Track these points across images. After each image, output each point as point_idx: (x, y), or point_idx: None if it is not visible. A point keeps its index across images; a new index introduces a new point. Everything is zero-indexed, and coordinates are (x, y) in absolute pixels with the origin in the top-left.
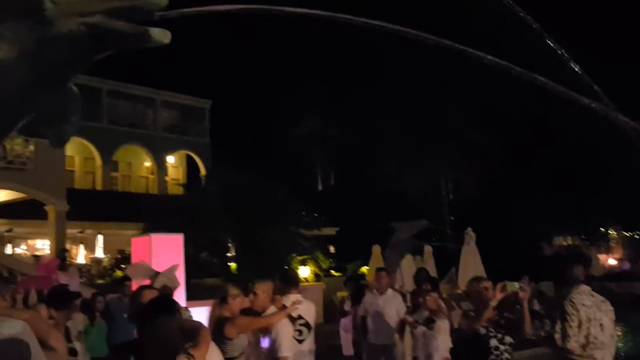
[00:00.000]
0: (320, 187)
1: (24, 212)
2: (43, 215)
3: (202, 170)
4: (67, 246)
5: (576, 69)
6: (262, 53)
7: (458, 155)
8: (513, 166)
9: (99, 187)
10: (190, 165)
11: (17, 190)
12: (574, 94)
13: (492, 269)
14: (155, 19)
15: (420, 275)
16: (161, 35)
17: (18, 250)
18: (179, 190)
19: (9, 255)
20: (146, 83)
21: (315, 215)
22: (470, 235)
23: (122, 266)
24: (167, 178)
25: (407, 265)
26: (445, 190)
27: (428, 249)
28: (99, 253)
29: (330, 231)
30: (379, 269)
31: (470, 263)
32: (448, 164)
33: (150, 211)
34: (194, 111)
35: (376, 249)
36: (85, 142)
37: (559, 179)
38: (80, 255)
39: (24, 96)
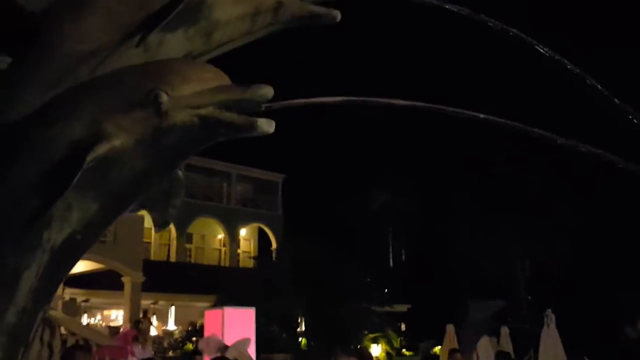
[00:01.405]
0: (391, 263)
1: (101, 282)
2: (119, 286)
3: (274, 244)
4: (140, 317)
5: None
6: (336, 128)
7: (537, 232)
8: (595, 244)
9: (173, 258)
10: (262, 238)
11: (95, 262)
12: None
13: (573, 353)
14: (261, 110)
15: (501, 359)
16: (267, 125)
17: (93, 321)
18: (251, 263)
19: (84, 325)
20: (222, 157)
21: (387, 290)
22: (550, 317)
23: (194, 339)
24: (239, 250)
25: (484, 347)
26: (522, 268)
27: (505, 330)
28: (171, 325)
29: (401, 308)
30: (453, 350)
31: (551, 346)
32: (526, 240)
33: (223, 283)
34: (267, 185)
35: (450, 328)
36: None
37: None
38: (153, 327)
39: (137, 182)
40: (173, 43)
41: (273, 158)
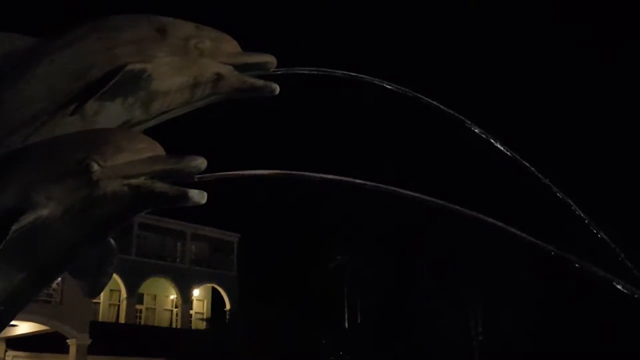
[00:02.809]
0: (346, 325)
1: (46, 345)
2: (64, 349)
3: (228, 304)
4: None
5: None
6: (291, 188)
7: (497, 299)
8: (549, 315)
9: (122, 319)
10: (216, 299)
11: (40, 323)
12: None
13: None
14: (193, 181)
15: None
16: (199, 197)
17: None
18: (203, 325)
19: None
20: (176, 216)
21: (341, 353)
22: None
23: None
24: (191, 311)
25: None
26: (475, 331)
27: None
28: None
29: None
30: None
31: None
32: (478, 303)
33: (174, 346)
34: (222, 244)
35: None
36: (113, 275)
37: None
38: None
39: (66, 252)
40: (111, 112)
41: (228, 217)
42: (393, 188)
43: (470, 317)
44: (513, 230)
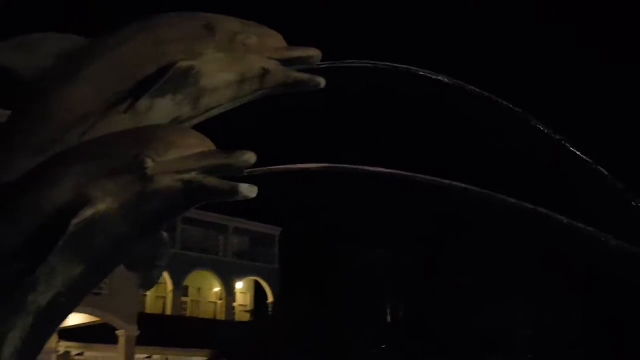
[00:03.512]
0: (389, 319)
1: (96, 336)
2: (114, 340)
3: (270, 297)
4: None
5: None
6: (335, 182)
7: (544, 295)
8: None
9: (169, 311)
10: (259, 292)
11: (91, 314)
12: None
13: None
14: (243, 175)
15: None
16: (249, 191)
17: None
18: (247, 317)
19: None
20: (219, 210)
21: (383, 347)
22: None
23: None
24: (235, 304)
25: None
26: (522, 325)
27: None
28: None
29: None
30: None
31: None
32: (531, 302)
33: (218, 338)
34: (264, 238)
35: None
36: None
37: None
38: None
39: (121, 246)
40: (161, 109)
41: (270, 211)
42: (436, 179)
43: (512, 311)
44: (561, 218)
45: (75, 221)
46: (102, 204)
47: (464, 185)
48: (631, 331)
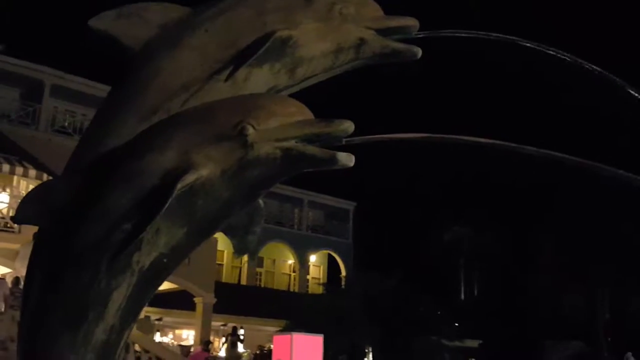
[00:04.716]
0: (462, 296)
1: (175, 302)
2: (191, 306)
3: (343, 271)
4: (211, 338)
5: None
6: (411, 158)
7: (621, 273)
8: None
9: (244, 281)
10: (332, 265)
11: (170, 281)
12: None
13: None
14: (341, 144)
15: None
16: (347, 159)
17: (165, 339)
18: (320, 290)
19: (157, 343)
20: (294, 183)
21: (457, 325)
22: None
23: None
24: (308, 276)
25: None
26: (602, 308)
27: None
28: (240, 347)
29: (472, 343)
30: None
31: None
32: (609, 280)
33: (291, 309)
34: (338, 212)
35: None
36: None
37: None
38: (222, 349)
39: (222, 210)
40: (259, 78)
41: (345, 186)
42: (530, 148)
43: (594, 296)
44: None
45: (179, 185)
46: (205, 170)
47: (561, 155)
48: None
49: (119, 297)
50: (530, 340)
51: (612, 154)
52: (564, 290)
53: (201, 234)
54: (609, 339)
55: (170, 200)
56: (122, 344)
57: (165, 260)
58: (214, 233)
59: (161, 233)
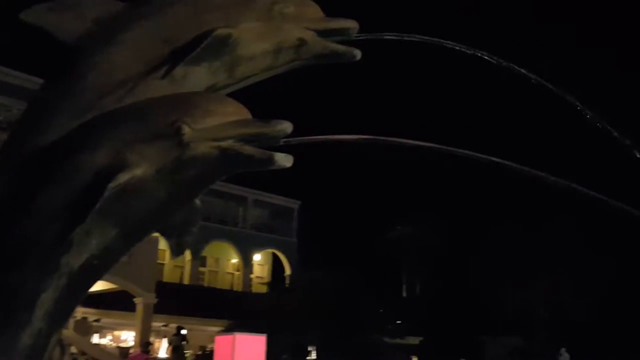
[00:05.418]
0: (404, 294)
1: (113, 302)
2: (131, 307)
3: (287, 270)
4: (151, 339)
5: None
6: (354, 157)
7: (553, 271)
8: (622, 292)
9: (186, 281)
10: (276, 264)
11: (109, 281)
12: None
13: None
14: (279, 144)
15: None
16: (284, 160)
17: (104, 341)
18: (264, 289)
19: (95, 345)
20: (239, 182)
21: (399, 323)
22: (565, 356)
23: None
24: (252, 276)
25: None
26: (538, 306)
27: None
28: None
29: (414, 341)
30: None
31: None
32: (543, 278)
33: (235, 308)
34: (282, 211)
35: None
36: None
37: None
38: (162, 349)
39: (157, 211)
40: (197, 76)
41: (289, 184)
42: (467, 152)
43: (533, 291)
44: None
45: (111, 185)
46: (139, 169)
47: (497, 160)
48: None
49: (46, 300)
50: (470, 336)
51: (538, 154)
52: (502, 288)
53: (135, 235)
54: (546, 334)
55: (101, 200)
56: (49, 348)
57: (96, 262)
58: (149, 234)
59: (92, 234)
